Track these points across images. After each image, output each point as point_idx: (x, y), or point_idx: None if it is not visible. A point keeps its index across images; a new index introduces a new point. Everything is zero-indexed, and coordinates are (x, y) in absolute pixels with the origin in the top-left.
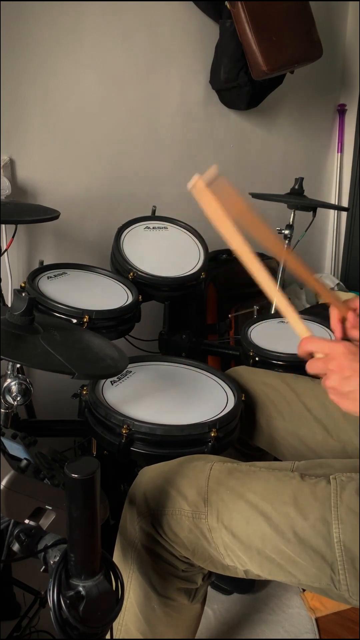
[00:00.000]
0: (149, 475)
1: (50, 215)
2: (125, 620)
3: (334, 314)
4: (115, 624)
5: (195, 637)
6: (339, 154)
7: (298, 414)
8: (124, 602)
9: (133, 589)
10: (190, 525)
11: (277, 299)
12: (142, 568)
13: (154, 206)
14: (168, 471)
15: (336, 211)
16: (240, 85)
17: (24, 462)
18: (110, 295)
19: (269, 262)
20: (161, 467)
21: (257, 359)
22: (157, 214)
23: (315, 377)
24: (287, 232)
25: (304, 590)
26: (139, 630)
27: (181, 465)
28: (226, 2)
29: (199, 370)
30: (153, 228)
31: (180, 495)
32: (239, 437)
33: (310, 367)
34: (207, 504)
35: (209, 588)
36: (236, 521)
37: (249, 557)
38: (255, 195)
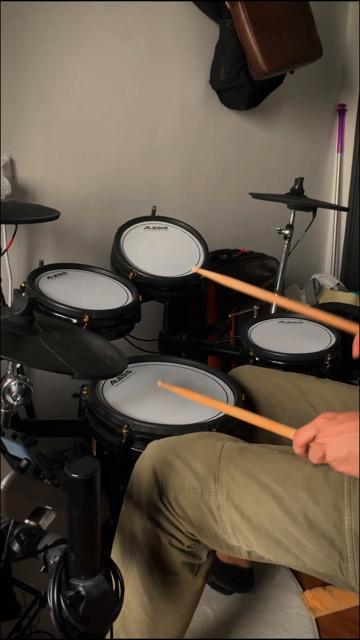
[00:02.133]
0: (158, 448)
1: (50, 215)
2: (126, 593)
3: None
4: None
5: (195, 638)
6: (339, 154)
7: (303, 412)
8: (127, 576)
9: (137, 562)
10: (198, 502)
11: (259, 421)
12: (147, 540)
13: (154, 206)
14: (179, 446)
15: (336, 211)
16: (240, 85)
17: (24, 462)
18: (110, 295)
19: (269, 262)
20: (171, 441)
21: (257, 359)
22: (157, 214)
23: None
24: (287, 232)
25: (303, 589)
26: (140, 605)
27: (192, 441)
28: (226, 2)
29: (199, 370)
30: (153, 228)
31: (190, 470)
32: (240, 436)
33: (311, 456)
34: (217, 482)
35: (209, 588)
36: (246, 501)
37: (256, 537)
38: (255, 195)
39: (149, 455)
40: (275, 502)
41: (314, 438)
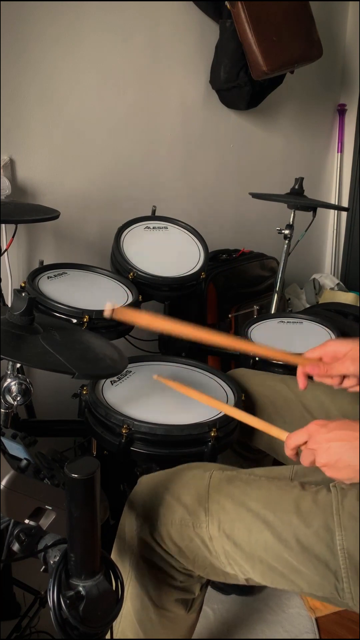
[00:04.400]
0: (147, 484)
1: (50, 215)
2: (122, 627)
3: (299, 370)
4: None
5: (195, 638)
6: (339, 154)
7: (298, 415)
8: (121, 610)
9: (130, 598)
10: (190, 535)
11: (254, 421)
12: (139, 578)
13: (154, 206)
14: (167, 480)
15: (336, 211)
16: (240, 85)
17: (24, 462)
18: (110, 295)
19: (269, 262)
20: (159, 476)
21: (257, 359)
22: (157, 214)
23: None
24: (287, 232)
25: None
26: (135, 636)
27: (180, 474)
28: (226, 2)
29: (199, 370)
30: (153, 228)
31: (180, 504)
32: (238, 439)
33: (302, 460)
34: (207, 513)
35: (209, 588)
36: (238, 530)
37: (251, 565)
38: (255, 195)
39: (140, 492)
40: (267, 529)
41: (305, 442)
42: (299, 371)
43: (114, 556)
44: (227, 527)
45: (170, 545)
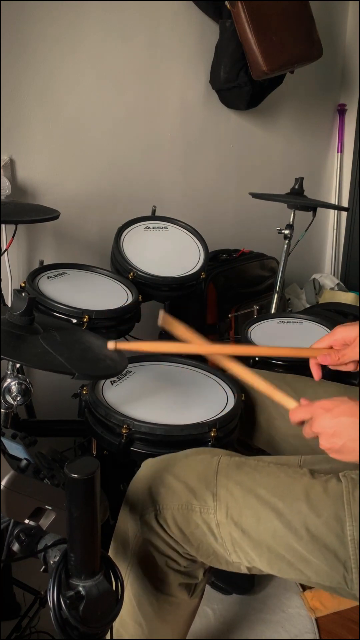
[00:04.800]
0: (153, 467)
1: (50, 215)
2: (121, 612)
3: (311, 362)
4: None
5: (195, 638)
6: (339, 154)
7: None
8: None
9: (132, 583)
10: (197, 521)
11: (258, 382)
12: (142, 562)
13: (154, 206)
14: (174, 464)
15: (336, 211)
16: (240, 85)
17: (24, 462)
18: (110, 295)
19: (269, 262)
20: (166, 459)
21: (257, 359)
22: (157, 214)
23: (328, 379)
24: (287, 232)
25: (303, 589)
26: (135, 621)
27: (187, 458)
28: (226, 2)
29: (199, 370)
30: (153, 228)
31: (187, 488)
32: (238, 438)
33: (305, 433)
34: (215, 498)
35: (209, 588)
36: (246, 517)
37: (258, 554)
38: (255, 195)
39: (144, 475)
40: (276, 517)
41: (309, 418)
42: (312, 362)
43: (114, 543)
44: (235, 514)
45: (175, 530)
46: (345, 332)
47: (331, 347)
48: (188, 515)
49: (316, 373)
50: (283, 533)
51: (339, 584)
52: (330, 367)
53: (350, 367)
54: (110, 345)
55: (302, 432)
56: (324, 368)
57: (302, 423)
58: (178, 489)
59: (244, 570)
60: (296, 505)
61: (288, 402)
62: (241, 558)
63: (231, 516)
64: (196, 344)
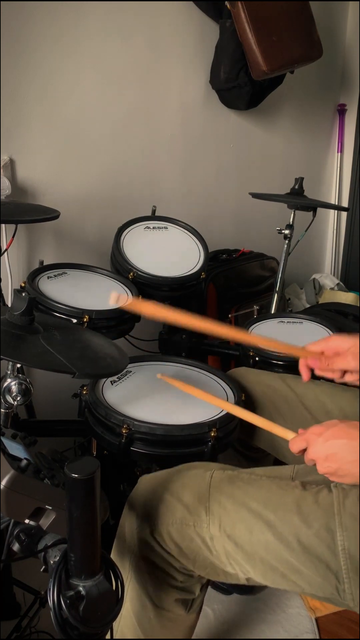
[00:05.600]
0: (148, 484)
1: (50, 215)
2: (121, 627)
3: (301, 362)
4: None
5: (195, 638)
6: (339, 154)
7: (298, 415)
8: (121, 610)
9: (130, 598)
10: (191, 534)
11: (257, 420)
12: (139, 578)
13: (154, 206)
14: (167, 479)
15: (336, 211)
16: (240, 85)
17: (24, 462)
18: (110, 295)
19: (269, 262)
20: (160, 475)
21: (257, 359)
22: (157, 214)
23: (316, 378)
24: (287, 232)
25: None
26: (134, 634)
27: (180, 474)
28: (226, 2)
29: (199, 370)
30: (153, 228)
31: (181, 503)
32: (239, 438)
33: (306, 462)
34: (208, 513)
35: (209, 588)
36: (239, 530)
37: (251, 565)
38: (255, 195)
39: (140, 492)
40: (268, 529)
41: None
42: (301, 363)
43: (113, 556)
44: (228, 527)
45: (171, 545)
46: (340, 341)
47: (322, 353)
48: (183, 530)
49: (305, 374)
50: (275, 545)
51: (332, 594)
52: (316, 372)
53: (336, 375)
54: (114, 297)
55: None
56: None
57: (303, 452)
58: (172, 505)
59: (243, 581)
60: (288, 517)
61: (287, 434)
62: (236, 570)
63: (224, 529)
64: (194, 319)
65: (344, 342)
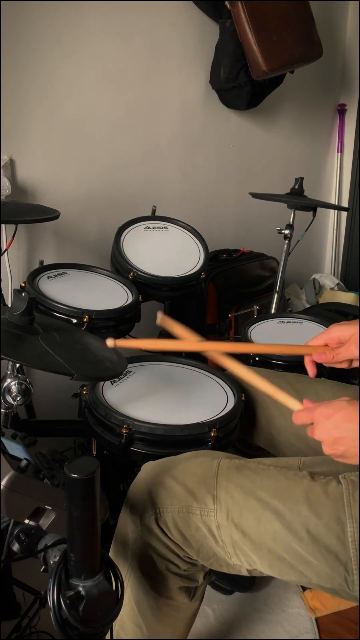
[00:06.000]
0: (153, 470)
1: (50, 215)
2: (120, 614)
3: (306, 359)
4: None
5: (195, 638)
6: (339, 154)
7: None
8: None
9: (132, 586)
10: (197, 523)
11: (260, 382)
12: (142, 565)
13: (154, 206)
14: (174, 467)
15: (336, 211)
16: (240, 85)
17: (24, 462)
18: (110, 295)
19: (269, 262)
20: (165, 462)
21: (257, 358)
22: (157, 214)
23: (318, 376)
24: (287, 232)
25: (304, 589)
26: (135, 624)
27: (187, 461)
28: (226, 2)
29: (199, 370)
30: (153, 228)
31: (187, 491)
32: (239, 437)
33: (308, 434)
34: (216, 501)
35: (209, 587)
36: (247, 519)
37: (258, 556)
38: (255, 195)
39: (144, 478)
40: (276, 518)
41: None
42: (307, 360)
43: (114, 549)
44: (235, 516)
45: (175, 534)
46: (341, 330)
47: (326, 345)
48: (188, 518)
49: (311, 370)
50: (283, 535)
51: (340, 586)
52: (325, 365)
53: (344, 365)
54: (110, 342)
55: (302, 431)
56: (323, 367)
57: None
58: (178, 492)
59: (245, 573)
60: (296, 507)
61: (291, 403)
62: (242, 560)
63: (232, 518)
64: (194, 342)
65: (345, 331)
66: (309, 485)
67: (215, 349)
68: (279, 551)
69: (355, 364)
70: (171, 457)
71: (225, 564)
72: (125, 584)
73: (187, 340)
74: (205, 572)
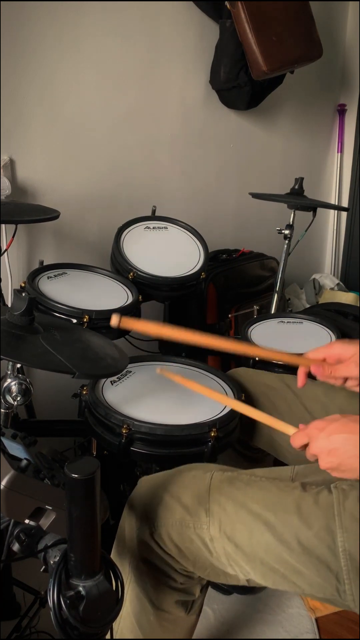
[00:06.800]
0: (147, 485)
1: (50, 215)
2: (121, 628)
3: (300, 369)
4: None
5: (195, 638)
6: (339, 154)
7: (298, 415)
8: (120, 611)
9: (130, 600)
10: (191, 536)
11: (257, 415)
12: (139, 579)
13: (154, 206)
14: (167, 481)
15: (336, 211)
16: (240, 85)
17: (24, 462)
18: (110, 295)
19: (269, 262)
20: (159, 477)
21: (256, 359)
22: (157, 214)
23: (312, 379)
24: (287, 232)
25: None
26: (133, 635)
27: (180, 475)
28: (226, 2)
29: (199, 370)
30: (153, 228)
31: (181, 505)
32: (239, 438)
33: (307, 456)
34: (208, 514)
35: (209, 588)
36: (239, 531)
37: (252, 567)
38: (255, 195)
39: (140, 494)
40: (268, 530)
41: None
42: (300, 370)
43: (113, 558)
44: (228, 529)
45: (171, 547)
46: (342, 348)
47: (324, 360)
48: (182, 532)
49: (301, 380)
50: (275, 546)
51: (332, 595)
52: (318, 378)
53: (338, 383)
54: (114, 320)
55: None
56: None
57: (304, 447)
58: (172, 506)
59: (243, 582)
60: (287, 518)
61: (288, 429)
62: (237, 571)
63: (224, 531)
64: (198, 334)
65: (346, 350)
66: (300, 496)
67: (217, 345)
68: (271, 562)
69: (350, 383)
70: (166, 471)
71: (222, 574)
72: (124, 600)
73: (192, 332)
74: (202, 585)
